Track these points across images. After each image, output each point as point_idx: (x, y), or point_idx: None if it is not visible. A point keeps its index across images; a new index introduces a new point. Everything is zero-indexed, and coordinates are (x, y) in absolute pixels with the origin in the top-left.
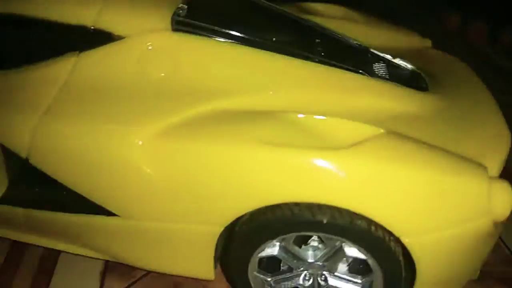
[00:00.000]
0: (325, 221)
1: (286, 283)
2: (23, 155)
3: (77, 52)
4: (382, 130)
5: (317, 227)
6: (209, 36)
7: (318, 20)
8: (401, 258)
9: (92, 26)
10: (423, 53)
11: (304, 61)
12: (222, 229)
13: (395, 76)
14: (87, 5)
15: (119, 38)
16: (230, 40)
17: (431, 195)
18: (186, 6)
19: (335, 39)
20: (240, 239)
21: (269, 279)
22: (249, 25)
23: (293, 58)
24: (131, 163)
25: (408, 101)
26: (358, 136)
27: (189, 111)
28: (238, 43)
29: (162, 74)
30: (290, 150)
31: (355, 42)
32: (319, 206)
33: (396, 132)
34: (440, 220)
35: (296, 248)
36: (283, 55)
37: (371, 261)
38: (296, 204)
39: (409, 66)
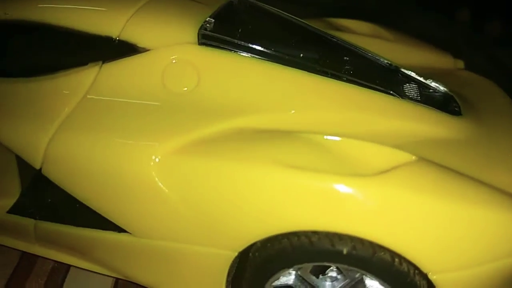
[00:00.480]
0: (345, 252)
1: None
2: (37, 166)
3: (100, 62)
4: (413, 157)
5: (337, 257)
6: (235, 51)
7: (346, 37)
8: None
9: (117, 37)
10: (456, 75)
11: (331, 79)
12: (236, 254)
13: (427, 98)
14: (114, 16)
15: (143, 50)
16: (256, 56)
17: (462, 229)
18: (213, 20)
19: (364, 58)
20: (254, 266)
21: None
22: (277, 41)
23: (320, 76)
24: (146, 180)
25: (439, 125)
26: (387, 163)
27: (209, 128)
28: (264, 59)
29: (185, 89)
30: (311, 174)
31: (385, 61)
32: (339, 235)
33: (427, 159)
34: (471, 256)
35: (313, 278)
36: (310, 73)
37: None
38: (315, 232)
39: (441, 88)
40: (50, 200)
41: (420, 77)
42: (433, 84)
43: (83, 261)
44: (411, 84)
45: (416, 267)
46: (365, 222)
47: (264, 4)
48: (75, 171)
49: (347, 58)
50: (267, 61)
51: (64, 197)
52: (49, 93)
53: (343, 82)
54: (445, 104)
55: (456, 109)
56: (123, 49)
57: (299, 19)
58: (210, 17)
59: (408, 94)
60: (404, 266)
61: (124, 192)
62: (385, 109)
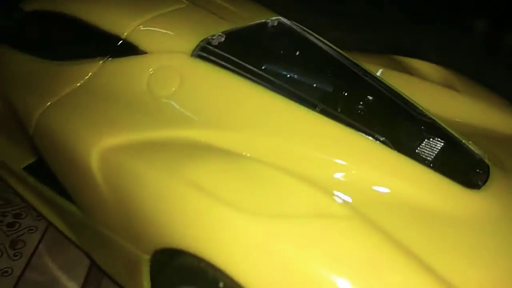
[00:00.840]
0: (221, 286)
1: None
2: (30, 132)
3: (106, 58)
4: (344, 213)
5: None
6: (225, 68)
7: (401, 78)
8: None
9: (125, 37)
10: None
11: (320, 115)
12: (148, 257)
13: (445, 161)
14: (131, 17)
15: (142, 52)
16: (250, 77)
17: None
18: (224, 36)
19: (392, 102)
20: (154, 276)
21: None
22: (288, 71)
23: (311, 111)
24: (86, 166)
25: (440, 197)
26: (311, 209)
27: (160, 133)
28: (256, 82)
29: (162, 94)
30: (215, 202)
31: (419, 109)
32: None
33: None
34: None
35: None
36: (306, 108)
37: None
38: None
39: (477, 153)
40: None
41: (456, 134)
42: (468, 147)
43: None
44: (435, 141)
45: None
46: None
47: (307, 31)
48: (50, 145)
49: (367, 99)
50: (257, 84)
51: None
52: (57, 76)
53: (334, 122)
54: (467, 173)
55: (479, 182)
56: (126, 49)
57: (341, 52)
58: (224, 32)
59: (419, 151)
60: None
61: (73, 175)
62: (366, 157)
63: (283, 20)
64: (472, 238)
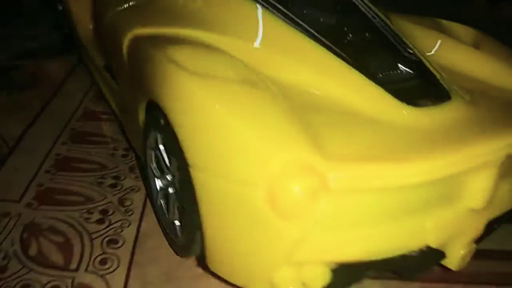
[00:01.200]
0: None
1: None
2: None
3: None
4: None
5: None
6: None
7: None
8: None
9: None
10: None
11: (307, 37)
12: (144, 104)
13: (403, 85)
14: None
15: None
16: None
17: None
18: None
19: (380, 36)
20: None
21: None
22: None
23: (297, 29)
24: (120, 49)
25: (374, 106)
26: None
27: (171, 29)
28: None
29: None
30: (178, 68)
31: (409, 47)
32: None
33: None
34: None
35: None
36: (289, 23)
37: None
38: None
39: (445, 86)
40: None
41: (436, 71)
42: (439, 81)
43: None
44: (405, 71)
45: None
46: None
47: None
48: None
49: (360, 33)
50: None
51: None
52: None
53: (309, 39)
54: (419, 96)
55: (427, 103)
56: None
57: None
58: None
59: (383, 75)
60: None
61: (116, 52)
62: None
63: None
64: (379, 135)
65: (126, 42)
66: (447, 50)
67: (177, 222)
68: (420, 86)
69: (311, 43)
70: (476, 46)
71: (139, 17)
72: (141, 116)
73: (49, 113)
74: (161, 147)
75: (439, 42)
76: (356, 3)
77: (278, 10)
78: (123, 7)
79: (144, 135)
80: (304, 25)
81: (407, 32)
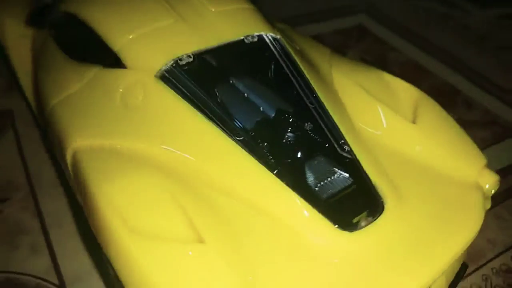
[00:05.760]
0: None
1: None
2: (43, 124)
3: (100, 66)
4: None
5: None
6: (180, 92)
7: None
8: None
9: (116, 51)
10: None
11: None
12: None
13: (340, 200)
14: (123, 32)
15: (123, 67)
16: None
17: None
18: (192, 57)
19: (321, 136)
20: None
21: None
22: (234, 103)
23: (229, 140)
24: (65, 159)
25: (312, 235)
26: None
27: (114, 140)
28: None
29: (128, 106)
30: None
31: (347, 148)
32: None
33: None
34: None
35: None
36: (224, 136)
37: None
38: None
39: (379, 195)
40: None
41: (373, 173)
42: (374, 187)
43: None
44: (342, 178)
45: None
46: None
47: (284, 49)
48: (53, 133)
49: (296, 132)
50: (198, 113)
51: None
52: (70, 73)
53: (245, 152)
54: (355, 214)
55: (362, 223)
56: (116, 61)
57: (305, 74)
58: (193, 53)
59: (321, 187)
60: None
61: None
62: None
63: (266, 36)
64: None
65: (68, 155)
66: (387, 126)
67: None
68: (354, 198)
69: (244, 155)
70: (415, 110)
71: (82, 122)
72: None
73: None
74: None
75: (379, 116)
76: (293, 83)
77: (213, 118)
78: (63, 107)
79: None
80: (235, 131)
81: (348, 99)
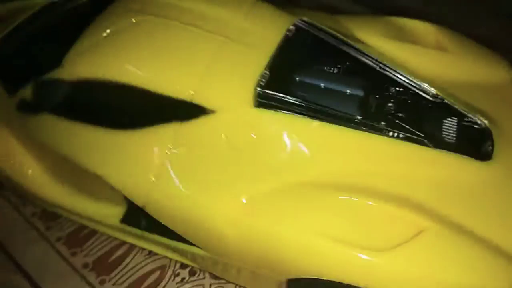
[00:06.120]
0: None
1: None
2: (141, 205)
3: (179, 121)
4: (426, 224)
5: None
6: (288, 111)
7: (399, 51)
8: None
9: (191, 100)
10: (505, 93)
11: (369, 133)
12: (285, 279)
13: (462, 137)
14: (186, 81)
15: (211, 111)
16: (306, 114)
17: None
18: (268, 73)
19: (411, 96)
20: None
21: None
22: (328, 94)
23: (360, 131)
24: (218, 231)
25: (462, 173)
26: (406, 231)
27: (269, 185)
28: (313, 118)
29: (245, 147)
30: (345, 247)
31: (432, 92)
32: None
33: (440, 224)
34: None
35: None
36: (352, 129)
37: None
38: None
39: (482, 123)
40: (150, 220)
41: (464, 110)
42: (475, 119)
43: (177, 255)
44: (451, 121)
45: None
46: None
47: (320, 28)
48: (169, 212)
49: (393, 101)
50: (316, 121)
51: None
52: (142, 144)
53: (381, 136)
54: (479, 143)
55: (489, 150)
56: (195, 111)
57: (347, 41)
58: (266, 68)
59: (444, 137)
60: None
61: (200, 229)
62: (413, 162)
63: (299, 23)
64: (494, 204)
65: (225, 225)
66: (420, 61)
67: None
68: (471, 133)
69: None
70: (439, 45)
71: (214, 185)
72: None
73: None
74: None
75: (421, 56)
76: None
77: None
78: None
79: None
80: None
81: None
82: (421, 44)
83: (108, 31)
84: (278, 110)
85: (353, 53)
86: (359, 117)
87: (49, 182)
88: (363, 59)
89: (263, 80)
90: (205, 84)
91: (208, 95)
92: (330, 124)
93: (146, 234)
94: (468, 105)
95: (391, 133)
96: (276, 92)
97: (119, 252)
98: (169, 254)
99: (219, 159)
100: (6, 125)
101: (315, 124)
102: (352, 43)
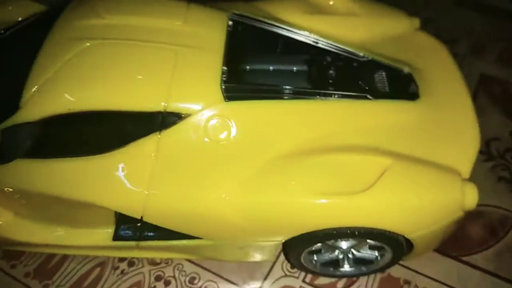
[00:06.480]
0: (357, 233)
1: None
2: (138, 216)
3: (158, 131)
4: (389, 161)
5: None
6: (254, 98)
7: (322, 23)
8: (404, 243)
9: (164, 110)
10: (413, 40)
11: (320, 100)
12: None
13: (392, 86)
14: (154, 94)
15: (187, 115)
16: (266, 96)
17: (426, 207)
18: (226, 69)
19: (344, 60)
20: (295, 245)
21: (315, 258)
22: (281, 75)
23: (312, 99)
24: (220, 213)
25: (400, 114)
26: (374, 171)
27: (254, 165)
28: (275, 98)
29: (224, 142)
30: (332, 197)
31: (361, 54)
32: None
33: (396, 158)
34: (431, 221)
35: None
36: (308, 100)
37: (385, 246)
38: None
39: (405, 70)
40: (147, 227)
41: (386, 62)
42: (399, 68)
43: (174, 253)
44: (380, 73)
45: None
46: (374, 221)
47: (252, 18)
48: (170, 215)
49: (332, 72)
50: (277, 100)
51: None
52: (127, 161)
53: (333, 99)
54: (406, 88)
55: (415, 91)
56: (171, 118)
57: (278, 24)
58: (223, 65)
59: (378, 87)
60: (393, 234)
61: (207, 223)
62: (361, 115)
63: (234, 18)
64: (428, 136)
65: (224, 203)
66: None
67: None
68: (394, 81)
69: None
70: (350, 11)
71: (205, 180)
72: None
73: None
74: None
75: (340, 24)
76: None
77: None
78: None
79: None
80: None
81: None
82: (336, 14)
83: (59, 63)
84: (245, 99)
85: (286, 33)
86: (310, 89)
87: (22, 224)
88: (296, 37)
89: (224, 76)
90: (174, 92)
91: (180, 102)
92: (290, 100)
93: (142, 243)
94: (388, 57)
95: (338, 96)
96: (238, 83)
97: (56, 259)
98: (165, 255)
99: (206, 152)
100: None
101: (278, 102)
102: (281, 25)
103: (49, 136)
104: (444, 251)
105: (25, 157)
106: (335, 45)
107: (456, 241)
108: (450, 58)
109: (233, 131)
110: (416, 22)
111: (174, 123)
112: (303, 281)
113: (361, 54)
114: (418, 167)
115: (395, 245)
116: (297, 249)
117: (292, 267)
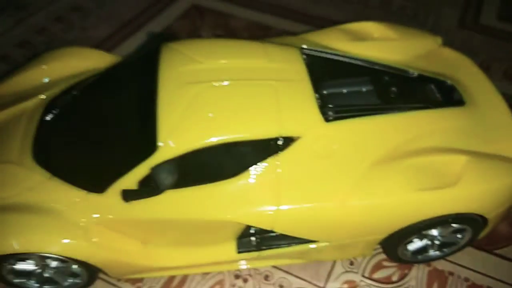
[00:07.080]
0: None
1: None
2: (270, 228)
3: (276, 154)
4: (464, 158)
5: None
6: (347, 117)
7: (368, 49)
8: (481, 222)
9: (279, 135)
10: (441, 56)
11: (398, 113)
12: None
13: (443, 95)
14: (270, 123)
15: (297, 138)
16: (358, 114)
17: (502, 190)
18: (318, 95)
19: (399, 78)
20: (394, 239)
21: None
22: (355, 96)
23: (391, 113)
24: (340, 217)
25: (454, 119)
26: (455, 167)
27: (358, 173)
28: (362, 115)
29: (330, 155)
30: (430, 192)
31: (410, 72)
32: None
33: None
34: (505, 200)
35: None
36: (386, 114)
37: (467, 227)
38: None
39: (448, 82)
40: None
41: (432, 75)
42: (441, 79)
43: (285, 260)
44: (430, 86)
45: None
46: (469, 207)
47: (316, 50)
48: (299, 225)
49: (394, 89)
50: (364, 117)
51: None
52: (253, 184)
53: (403, 112)
54: (452, 96)
55: (460, 98)
56: (286, 142)
57: (338, 53)
58: (315, 92)
59: (435, 99)
60: (475, 216)
61: (326, 225)
62: (432, 123)
63: (305, 51)
64: (482, 131)
65: (336, 208)
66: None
67: None
68: (443, 92)
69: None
70: (385, 36)
71: (332, 188)
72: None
73: None
74: None
75: (383, 48)
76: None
77: None
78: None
79: None
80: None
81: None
82: (375, 39)
83: (181, 106)
84: (340, 119)
85: (346, 60)
86: (382, 104)
87: (153, 251)
88: (354, 62)
89: (320, 101)
90: (284, 120)
91: (290, 127)
92: (375, 116)
93: (263, 252)
94: (429, 72)
95: (406, 108)
96: (332, 106)
97: (177, 279)
98: (277, 262)
99: (318, 166)
100: (97, 222)
101: (367, 118)
102: (341, 53)
103: (187, 168)
104: (479, 246)
105: (174, 188)
106: (387, 66)
107: (487, 237)
108: (477, 68)
109: (336, 146)
110: (439, 40)
111: (288, 145)
112: (363, 275)
113: (410, 71)
114: (487, 159)
115: (476, 225)
116: (397, 241)
117: (351, 263)
